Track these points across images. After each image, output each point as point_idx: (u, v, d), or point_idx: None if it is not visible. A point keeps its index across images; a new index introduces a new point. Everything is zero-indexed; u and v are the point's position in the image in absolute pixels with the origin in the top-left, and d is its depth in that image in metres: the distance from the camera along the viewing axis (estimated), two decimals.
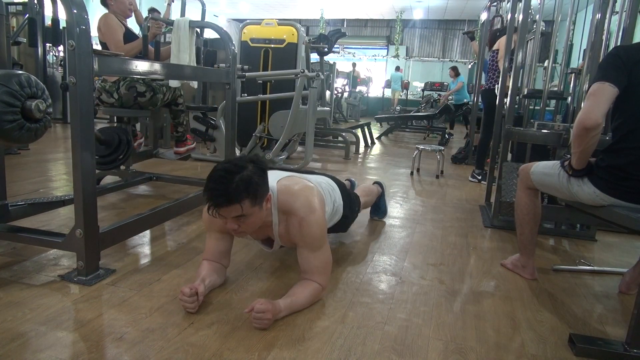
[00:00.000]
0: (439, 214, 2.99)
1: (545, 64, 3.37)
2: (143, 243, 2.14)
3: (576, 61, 5.42)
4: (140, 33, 2.80)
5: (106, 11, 2.69)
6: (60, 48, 5.82)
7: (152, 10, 5.92)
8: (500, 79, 3.25)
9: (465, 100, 8.31)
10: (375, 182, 2.79)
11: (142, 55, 2.61)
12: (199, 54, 2.83)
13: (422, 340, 1.44)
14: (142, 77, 2.64)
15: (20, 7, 5.92)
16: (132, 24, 2.96)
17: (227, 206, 1.39)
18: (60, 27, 1.85)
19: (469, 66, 13.85)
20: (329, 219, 1.86)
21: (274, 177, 1.65)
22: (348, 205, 2.08)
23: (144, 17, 5.16)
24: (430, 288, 1.83)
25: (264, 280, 1.81)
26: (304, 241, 1.58)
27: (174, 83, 2.79)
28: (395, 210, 3.02)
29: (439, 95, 10.43)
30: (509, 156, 3.24)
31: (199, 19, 3.98)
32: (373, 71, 16.43)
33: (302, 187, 1.64)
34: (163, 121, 5.24)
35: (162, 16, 5.58)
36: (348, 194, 2.14)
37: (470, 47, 15.46)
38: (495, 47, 4.06)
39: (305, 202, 1.57)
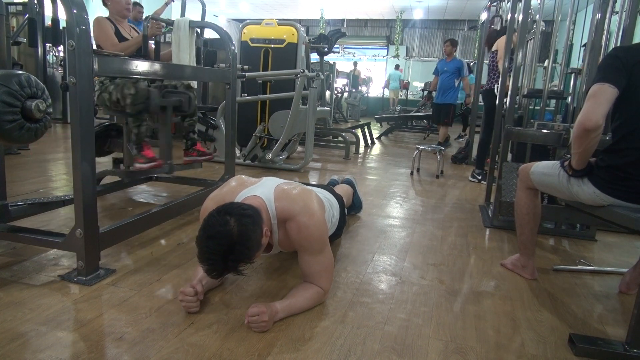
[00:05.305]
0: (439, 214, 2.99)
1: (545, 63, 3.37)
2: (143, 243, 2.13)
3: (576, 61, 5.42)
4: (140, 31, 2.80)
5: (100, 14, 2.69)
6: (60, 48, 5.81)
7: (135, 4, 5.74)
8: (500, 79, 3.26)
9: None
10: (344, 181, 2.81)
11: (143, 56, 2.61)
12: (199, 54, 2.83)
13: (422, 340, 1.44)
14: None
15: (20, 7, 5.92)
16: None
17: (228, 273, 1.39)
18: (60, 27, 1.85)
19: None
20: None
21: (272, 184, 1.64)
22: (343, 219, 2.15)
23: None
24: (430, 288, 1.83)
25: (264, 280, 1.81)
26: (304, 246, 1.55)
27: None
28: (395, 210, 3.02)
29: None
30: (509, 156, 3.24)
31: (199, 19, 3.98)
32: (373, 71, 16.44)
33: (300, 192, 1.61)
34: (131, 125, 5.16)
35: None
36: (344, 207, 2.21)
37: (470, 47, 15.51)
38: (494, 47, 4.06)
39: (303, 206, 1.54)
